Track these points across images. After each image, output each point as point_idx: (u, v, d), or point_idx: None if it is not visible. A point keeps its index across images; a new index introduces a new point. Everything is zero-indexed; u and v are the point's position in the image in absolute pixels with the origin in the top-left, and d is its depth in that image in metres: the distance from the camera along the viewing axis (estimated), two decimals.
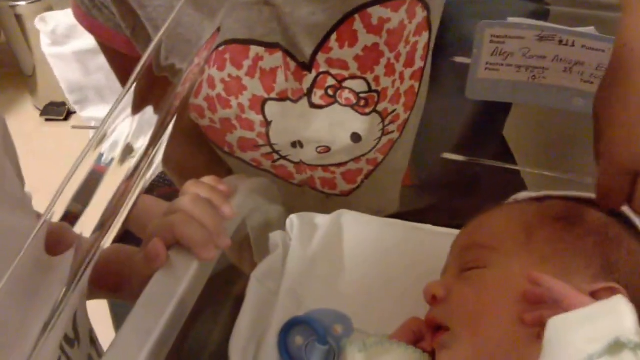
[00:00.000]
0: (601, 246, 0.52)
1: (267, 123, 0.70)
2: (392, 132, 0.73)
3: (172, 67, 0.46)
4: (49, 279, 0.38)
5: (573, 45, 0.53)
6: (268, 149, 0.73)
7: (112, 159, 0.42)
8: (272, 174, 0.77)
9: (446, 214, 0.78)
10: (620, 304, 0.41)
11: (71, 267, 0.38)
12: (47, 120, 1.86)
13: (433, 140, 0.82)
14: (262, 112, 0.68)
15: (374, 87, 0.66)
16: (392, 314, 0.58)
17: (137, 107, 0.43)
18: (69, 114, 1.89)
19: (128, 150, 0.43)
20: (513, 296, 0.50)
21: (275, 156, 0.74)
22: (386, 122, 0.71)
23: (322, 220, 0.66)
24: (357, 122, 0.69)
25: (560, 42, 0.53)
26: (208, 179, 0.61)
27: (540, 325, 0.44)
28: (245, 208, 0.64)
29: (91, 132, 1.54)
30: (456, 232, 0.61)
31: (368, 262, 0.64)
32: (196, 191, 0.58)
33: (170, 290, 0.53)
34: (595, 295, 0.48)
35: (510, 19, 0.54)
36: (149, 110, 0.44)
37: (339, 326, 0.56)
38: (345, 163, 0.74)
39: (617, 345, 0.38)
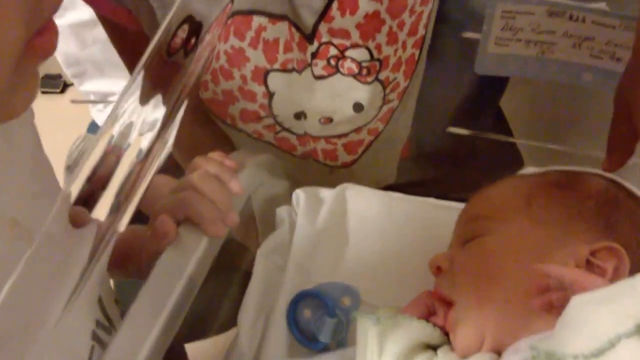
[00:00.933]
0: (600, 208, 0.53)
1: (270, 94, 0.70)
2: (392, 100, 0.73)
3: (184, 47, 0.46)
4: (70, 259, 0.39)
5: (583, 20, 0.53)
6: (270, 121, 0.73)
7: (128, 142, 0.42)
8: (274, 146, 0.77)
9: (444, 186, 0.79)
10: None
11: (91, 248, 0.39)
12: (43, 92, 1.85)
13: (432, 113, 0.82)
14: (265, 83, 0.68)
15: (375, 56, 0.66)
16: (398, 287, 0.59)
17: (148, 89, 0.43)
18: (65, 87, 1.87)
19: (142, 130, 0.43)
20: (513, 259, 0.51)
21: (277, 128, 0.74)
22: (387, 91, 0.71)
23: (327, 194, 0.67)
24: (359, 92, 0.69)
25: (571, 17, 0.53)
26: (215, 155, 0.62)
27: (550, 308, 0.45)
28: (252, 184, 0.65)
29: (90, 106, 1.53)
30: (459, 205, 0.62)
31: (373, 235, 0.65)
32: (204, 167, 0.58)
33: (181, 266, 0.54)
34: (595, 255, 0.49)
35: None
36: (161, 91, 0.44)
37: (347, 299, 0.57)
38: (347, 134, 0.74)
39: None
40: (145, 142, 0.42)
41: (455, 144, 0.83)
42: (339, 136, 0.74)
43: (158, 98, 0.43)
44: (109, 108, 1.32)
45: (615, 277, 0.48)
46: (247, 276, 0.62)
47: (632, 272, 0.49)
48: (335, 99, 0.69)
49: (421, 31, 0.67)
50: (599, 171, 0.59)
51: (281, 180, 0.72)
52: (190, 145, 0.72)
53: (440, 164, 0.85)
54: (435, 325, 0.52)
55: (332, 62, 0.66)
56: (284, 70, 0.67)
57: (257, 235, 0.70)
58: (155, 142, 0.42)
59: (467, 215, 0.59)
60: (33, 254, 0.37)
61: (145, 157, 0.42)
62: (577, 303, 0.43)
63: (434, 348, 0.52)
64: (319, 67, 0.66)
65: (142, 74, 0.41)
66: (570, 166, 0.60)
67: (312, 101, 0.70)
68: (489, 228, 0.54)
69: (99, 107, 1.49)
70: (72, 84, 1.77)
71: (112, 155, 0.40)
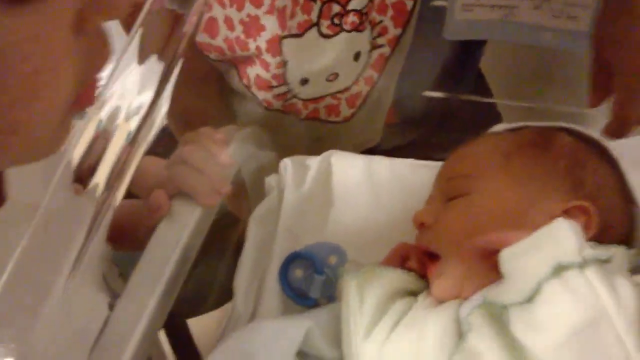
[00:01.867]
0: (571, 169, 0.57)
1: (284, 63, 0.72)
2: (382, 45, 0.75)
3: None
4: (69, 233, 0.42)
5: None
6: (281, 90, 0.75)
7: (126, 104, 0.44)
8: (280, 111, 0.79)
9: (428, 149, 0.82)
10: (559, 229, 0.46)
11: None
12: None
13: (413, 78, 0.85)
14: (280, 51, 0.70)
15: None
16: (382, 244, 0.63)
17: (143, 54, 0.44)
18: None
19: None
20: (495, 217, 0.54)
21: (288, 95, 0.77)
22: (374, 34, 0.73)
23: (312, 161, 0.70)
24: (359, 41, 0.71)
25: None
26: (204, 130, 0.65)
27: None
28: (241, 156, 0.68)
29: None
30: (438, 164, 0.66)
31: (357, 197, 0.68)
32: (195, 141, 0.61)
33: (176, 236, 0.58)
34: (568, 213, 0.52)
35: None
36: (154, 57, 0.46)
37: (333, 257, 0.61)
38: (349, 88, 0.77)
39: (560, 268, 0.43)
40: (144, 102, 0.44)
41: (437, 107, 0.86)
42: (343, 91, 0.77)
43: (150, 63, 0.45)
44: None
45: (587, 231, 0.51)
46: (238, 243, 0.66)
47: (599, 224, 0.53)
48: (341, 54, 0.72)
49: None
50: (568, 125, 0.62)
51: (268, 151, 0.75)
52: (191, 116, 0.75)
53: (423, 128, 0.89)
54: (410, 271, 0.56)
55: (336, 20, 0.68)
56: (295, 35, 0.69)
57: (249, 204, 0.74)
58: (152, 104, 0.45)
59: (448, 173, 0.62)
60: (35, 228, 0.40)
61: (144, 118, 0.44)
62: (504, 255, 0.47)
63: (414, 294, 0.56)
64: (325, 26, 0.68)
65: (140, 31, 0.43)
66: (543, 122, 0.64)
67: (320, 61, 0.72)
68: (471, 186, 0.57)
69: None
70: None
71: (110, 122, 0.43)
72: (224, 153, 0.62)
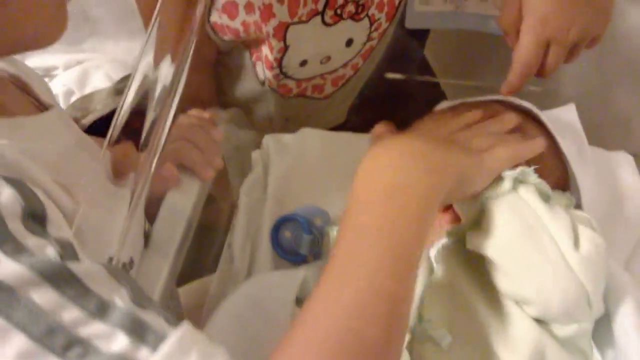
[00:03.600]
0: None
1: (285, 48, 0.78)
2: (374, 39, 0.83)
3: None
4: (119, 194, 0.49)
5: None
6: (277, 71, 0.82)
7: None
8: (274, 91, 0.86)
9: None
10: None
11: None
12: None
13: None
14: (284, 37, 0.77)
15: None
16: None
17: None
18: None
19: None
20: None
21: (281, 76, 0.84)
22: (372, 29, 0.81)
23: (289, 138, 0.79)
24: (352, 29, 0.79)
25: None
26: (195, 111, 0.72)
27: None
28: (225, 134, 0.76)
29: None
30: None
31: (330, 166, 0.77)
32: (189, 121, 0.69)
33: (183, 204, 0.65)
34: None
35: None
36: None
37: (318, 219, 0.70)
38: (337, 69, 0.85)
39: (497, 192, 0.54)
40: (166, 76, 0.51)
41: (390, 88, 0.96)
42: (331, 72, 0.85)
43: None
44: (54, 82, 1.37)
45: None
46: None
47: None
48: (335, 39, 0.79)
49: None
50: (501, 97, 0.72)
51: (247, 130, 0.83)
52: (195, 97, 0.81)
53: (379, 107, 0.98)
54: None
55: (338, 11, 0.76)
56: (301, 22, 0.76)
57: (227, 179, 0.82)
58: (175, 78, 0.51)
59: None
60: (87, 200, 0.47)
61: (168, 93, 0.51)
62: None
63: None
64: (328, 16, 0.75)
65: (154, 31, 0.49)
66: (479, 97, 0.74)
67: (319, 45, 0.79)
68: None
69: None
70: None
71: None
72: (215, 130, 0.70)
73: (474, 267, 0.58)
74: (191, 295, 0.75)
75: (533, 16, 0.60)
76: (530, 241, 0.53)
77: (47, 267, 0.35)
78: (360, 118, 0.95)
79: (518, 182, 0.55)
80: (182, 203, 0.65)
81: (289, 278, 0.63)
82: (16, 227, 0.35)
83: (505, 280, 0.54)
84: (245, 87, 0.85)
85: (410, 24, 0.74)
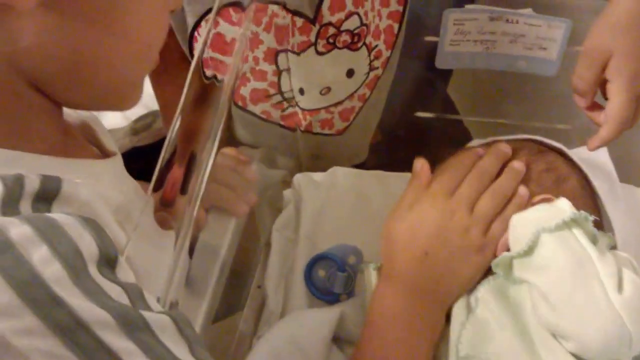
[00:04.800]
0: (539, 174, 0.67)
1: (279, 72, 0.79)
2: (377, 68, 0.83)
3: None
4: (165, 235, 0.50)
5: (517, 22, 0.68)
6: (278, 98, 0.82)
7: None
8: (280, 125, 0.86)
9: (410, 164, 0.93)
10: (555, 203, 0.59)
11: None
12: None
13: (395, 101, 0.96)
14: (275, 61, 0.78)
15: (363, 21, 0.77)
16: None
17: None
18: None
19: None
20: None
21: (285, 104, 0.84)
22: (372, 57, 0.81)
23: (320, 176, 0.80)
24: (351, 59, 0.80)
25: (507, 20, 0.69)
26: (228, 150, 0.74)
27: None
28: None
29: None
30: None
31: (362, 205, 0.78)
32: (222, 161, 0.70)
33: (218, 245, 0.66)
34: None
35: (467, 6, 0.69)
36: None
37: (352, 257, 0.70)
38: (342, 101, 0.85)
39: (554, 227, 0.56)
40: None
41: (415, 127, 0.97)
42: (336, 104, 0.85)
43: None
44: None
45: None
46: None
47: None
48: (332, 69, 0.80)
49: (395, 5, 0.78)
50: (530, 136, 0.73)
51: (277, 170, 0.85)
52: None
53: (403, 145, 1.00)
54: None
55: (331, 40, 0.77)
56: (291, 51, 0.77)
57: (257, 219, 0.82)
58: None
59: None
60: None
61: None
62: (514, 219, 0.60)
63: None
64: (321, 45, 0.76)
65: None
66: (508, 136, 0.75)
67: (315, 74, 0.80)
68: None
69: None
70: None
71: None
72: (247, 170, 0.71)
73: (511, 299, 0.59)
74: (219, 333, 0.75)
75: (623, 76, 0.61)
76: (580, 278, 0.54)
77: (124, 314, 0.35)
78: (385, 156, 0.96)
79: (573, 222, 0.57)
80: (217, 242, 0.66)
81: (326, 316, 0.63)
82: (96, 271, 0.36)
83: (549, 313, 0.55)
84: (252, 121, 0.86)
85: (440, 64, 0.75)
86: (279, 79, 0.80)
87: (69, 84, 0.44)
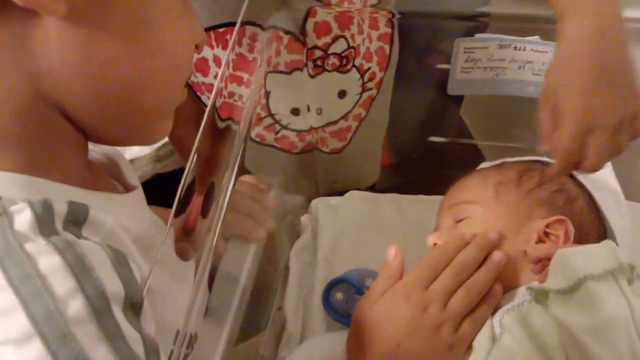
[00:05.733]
0: (550, 194, 0.69)
1: (267, 93, 0.79)
2: (371, 89, 0.84)
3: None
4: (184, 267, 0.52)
5: (524, 49, 0.71)
6: (269, 121, 0.82)
7: None
8: (275, 147, 0.86)
9: (424, 186, 0.95)
10: (603, 247, 0.59)
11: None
12: None
13: (407, 125, 0.98)
14: (264, 83, 0.77)
15: (351, 44, 0.78)
16: (406, 267, 0.74)
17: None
18: None
19: None
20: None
21: (277, 127, 0.84)
22: (365, 79, 0.82)
23: (336, 201, 0.82)
24: (341, 80, 0.81)
25: (515, 48, 0.71)
26: (247, 178, 0.75)
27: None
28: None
29: None
30: (438, 198, 0.78)
31: (378, 228, 0.80)
32: (241, 189, 0.72)
33: (238, 274, 0.68)
34: (549, 226, 0.65)
35: (477, 35, 0.71)
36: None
37: (370, 280, 0.72)
38: (336, 121, 0.86)
39: (602, 274, 0.55)
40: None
41: (428, 150, 0.99)
42: (329, 124, 0.86)
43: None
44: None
45: (565, 239, 0.64)
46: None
47: (576, 232, 0.66)
48: (323, 91, 0.81)
49: (383, 28, 0.79)
50: (540, 158, 0.74)
51: (295, 195, 0.87)
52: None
53: (417, 168, 1.01)
54: None
55: (319, 62, 0.78)
56: (279, 71, 0.78)
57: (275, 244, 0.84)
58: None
59: (451, 202, 0.74)
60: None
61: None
62: (561, 253, 0.58)
63: None
64: (310, 67, 0.78)
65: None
66: (518, 158, 0.77)
67: (306, 95, 0.81)
68: (472, 210, 0.69)
69: None
70: None
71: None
72: (267, 198, 0.73)
73: (536, 328, 0.59)
74: (241, 357, 0.77)
75: (568, 110, 0.60)
76: (622, 331, 0.54)
77: None
78: (399, 178, 0.98)
79: (619, 272, 0.57)
80: (237, 271, 0.68)
81: (343, 340, 0.65)
82: (120, 312, 0.37)
83: (584, 357, 0.55)
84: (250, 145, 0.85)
85: (452, 90, 0.77)
86: (267, 100, 0.80)
87: (98, 108, 0.42)
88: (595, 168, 0.62)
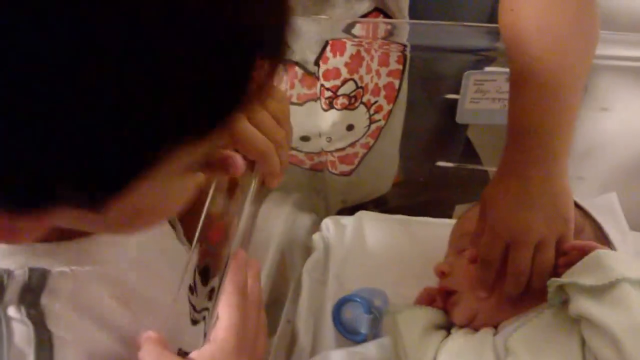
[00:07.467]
0: None
1: None
2: (379, 120, 0.88)
3: None
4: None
5: None
6: None
7: None
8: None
9: (433, 208, 0.97)
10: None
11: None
12: None
13: (417, 150, 1.01)
14: None
15: (359, 84, 0.81)
16: (413, 287, 0.77)
17: None
18: None
19: None
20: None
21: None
22: (372, 112, 0.86)
23: (347, 220, 0.85)
24: (350, 115, 0.84)
25: None
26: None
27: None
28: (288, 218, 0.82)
29: None
30: (448, 221, 0.81)
31: (388, 248, 0.83)
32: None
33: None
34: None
35: (487, 69, 0.75)
36: None
37: (377, 300, 0.75)
38: (344, 148, 0.89)
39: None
40: None
41: (438, 172, 1.02)
42: (337, 150, 0.90)
43: None
44: None
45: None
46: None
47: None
48: (334, 124, 0.84)
49: (394, 64, 0.82)
50: None
51: (307, 214, 0.90)
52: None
53: (424, 190, 1.04)
54: (436, 308, 0.71)
55: (329, 100, 0.82)
56: (295, 103, 0.81)
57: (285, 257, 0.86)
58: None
59: (458, 232, 0.78)
60: None
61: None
62: (597, 253, 0.60)
63: (442, 327, 0.71)
64: (322, 102, 0.82)
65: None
66: None
67: (316, 126, 0.85)
68: (476, 242, 0.72)
69: None
70: None
71: None
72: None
73: (544, 349, 0.61)
74: None
75: (489, 223, 0.67)
76: None
77: None
78: (407, 197, 1.01)
79: None
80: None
81: (354, 355, 0.68)
82: None
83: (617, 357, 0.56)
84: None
85: (460, 119, 0.81)
86: None
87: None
88: (517, 283, 0.65)
